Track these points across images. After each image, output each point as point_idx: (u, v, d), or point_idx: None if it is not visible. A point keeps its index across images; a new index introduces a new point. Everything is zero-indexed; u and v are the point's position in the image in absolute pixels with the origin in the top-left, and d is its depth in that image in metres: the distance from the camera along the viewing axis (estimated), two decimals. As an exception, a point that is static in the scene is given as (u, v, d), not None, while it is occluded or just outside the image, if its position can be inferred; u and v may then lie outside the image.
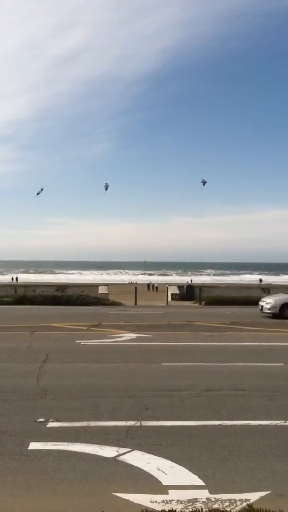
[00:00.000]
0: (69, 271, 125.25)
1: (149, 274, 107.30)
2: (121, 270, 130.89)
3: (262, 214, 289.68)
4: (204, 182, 36.15)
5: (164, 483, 5.53)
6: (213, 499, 5.11)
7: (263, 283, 71.14)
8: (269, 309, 24.12)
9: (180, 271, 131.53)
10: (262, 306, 24.68)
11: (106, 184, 37.52)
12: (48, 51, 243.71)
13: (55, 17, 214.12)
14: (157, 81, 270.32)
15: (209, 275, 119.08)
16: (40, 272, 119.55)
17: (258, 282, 75.48)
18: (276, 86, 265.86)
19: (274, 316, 23.77)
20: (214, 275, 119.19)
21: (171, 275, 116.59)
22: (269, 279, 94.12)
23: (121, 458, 6.24)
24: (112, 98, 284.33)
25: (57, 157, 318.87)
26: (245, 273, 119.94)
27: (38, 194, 38.96)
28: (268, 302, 24.50)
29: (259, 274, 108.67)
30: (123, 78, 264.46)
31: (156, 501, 5.05)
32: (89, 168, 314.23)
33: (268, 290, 37.58)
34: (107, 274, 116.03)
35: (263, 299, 25.50)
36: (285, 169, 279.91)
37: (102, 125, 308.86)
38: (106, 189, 37.25)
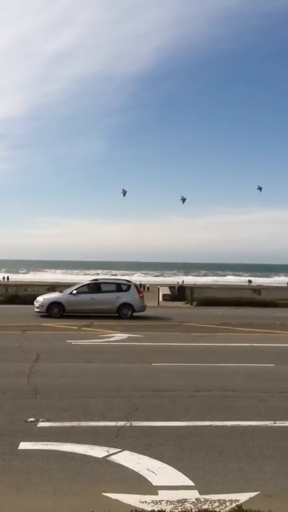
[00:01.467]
0: (61, 271, 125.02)
1: (143, 275, 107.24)
2: (112, 270, 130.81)
3: (255, 215, 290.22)
4: (260, 188, 36.35)
5: (154, 484, 5.54)
6: (202, 500, 5.13)
7: (252, 284, 71.34)
8: (37, 307, 23.30)
9: (174, 271, 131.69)
10: (34, 305, 23.90)
11: (182, 197, 36.68)
12: (41, 49, 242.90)
13: (48, 14, 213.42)
14: (151, 80, 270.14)
15: (200, 275, 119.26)
16: (31, 271, 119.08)
17: (247, 283, 75.57)
18: (269, 87, 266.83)
19: (45, 315, 22.84)
20: (206, 275, 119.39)
21: (163, 275, 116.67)
22: (260, 280, 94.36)
23: (111, 458, 6.25)
24: (105, 96, 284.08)
25: (49, 156, 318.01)
26: (235, 275, 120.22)
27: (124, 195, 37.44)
28: (37, 301, 23.63)
29: (250, 275, 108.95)
30: (116, 77, 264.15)
31: (145, 501, 5.06)
32: (82, 167, 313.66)
33: (259, 291, 37.76)
34: (98, 274, 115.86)
35: (37, 298, 24.40)
36: (277, 170, 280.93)
37: (95, 124, 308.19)
38: (183, 202, 36.54)
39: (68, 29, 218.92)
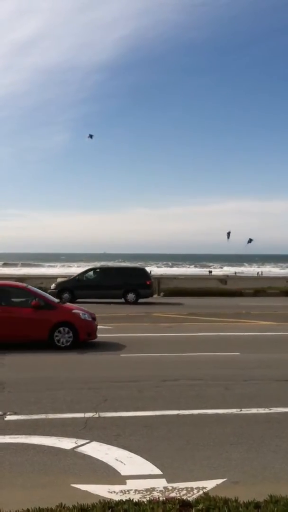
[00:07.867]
0: (27, 263, 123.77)
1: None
2: (80, 263, 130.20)
3: (219, 206, 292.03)
4: (250, 240, 35.28)
5: (122, 473, 5.59)
6: (170, 488, 5.20)
7: (213, 274, 71.86)
8: None
9: (141, 263, 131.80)
10: None
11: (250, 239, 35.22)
12: (4, 37, 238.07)
13: (12, 2, 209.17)
14: (116, 70, 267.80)
15: (168, 266, 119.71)
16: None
17: (207, 274, 75.92)
18: (235, 78, 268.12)
19: None
20: (174, 266, 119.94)
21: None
22: (222, 270, 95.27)
23: (80, 449, 6.27)
24: (70, 87, 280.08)
25: (12, 148, 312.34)
26: (201, 265, 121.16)
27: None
28: None
29: (211, 266, 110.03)
30: (81, 67, 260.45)
31: (114, 491, 5.10)
32: (46, 159, 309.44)
33: (225, 281, 38.15)
34: (63, 266, 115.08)
35: None
36: (242, 161, 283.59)
37: (60, 115, 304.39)
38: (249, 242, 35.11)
39: (32, 18, 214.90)
